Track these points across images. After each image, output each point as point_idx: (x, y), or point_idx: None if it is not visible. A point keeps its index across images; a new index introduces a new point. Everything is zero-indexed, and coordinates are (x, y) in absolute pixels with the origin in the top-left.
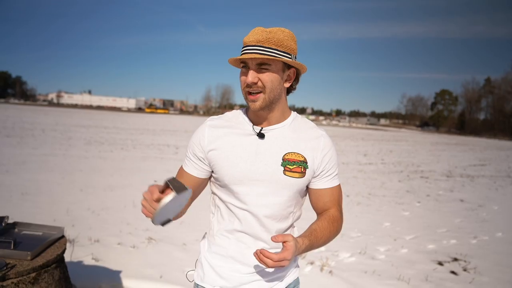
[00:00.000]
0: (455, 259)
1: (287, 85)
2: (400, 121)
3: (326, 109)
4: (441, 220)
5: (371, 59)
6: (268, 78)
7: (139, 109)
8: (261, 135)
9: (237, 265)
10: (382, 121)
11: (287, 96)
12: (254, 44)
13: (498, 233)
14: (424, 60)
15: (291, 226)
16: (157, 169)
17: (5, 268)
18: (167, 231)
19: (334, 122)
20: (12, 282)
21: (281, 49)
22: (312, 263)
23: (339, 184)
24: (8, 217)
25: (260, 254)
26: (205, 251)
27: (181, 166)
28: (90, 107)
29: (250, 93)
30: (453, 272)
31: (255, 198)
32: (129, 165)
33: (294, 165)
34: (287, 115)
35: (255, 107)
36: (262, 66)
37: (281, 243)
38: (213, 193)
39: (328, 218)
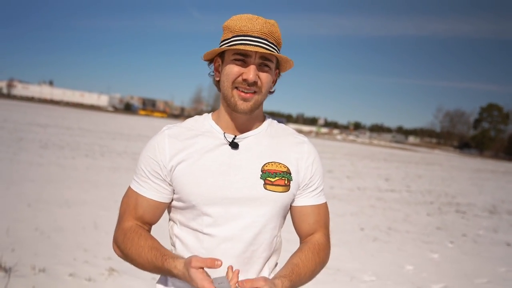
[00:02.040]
0: None
1: (272, 87)
2: (434, 140)
3: (343, 121)
4: (480, 267)
5: (401, 62)
6: (268, 79)
7: (115, 109)
8: (234, 145)
9: None
10: (411, 139)
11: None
12: (258, 35)
13: None
14: (468, 66)
15: (273, 253)
16: (128, 183)
17: None
18: None
19: (351, 137)
20: None
21: (279, 47)
22: None
23: (326, 202)
24: None
25: None
26: (163, 279)
27: (130, 188)
28: (51, 101)
29: (241, 90)
30: None
31: (232, 220)
32: (93, 177)
33: (276, 177)
34: (262, 119)
35: (246, 108)
36: (265, 63)
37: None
38: (171, 219)
39: (313, 247)
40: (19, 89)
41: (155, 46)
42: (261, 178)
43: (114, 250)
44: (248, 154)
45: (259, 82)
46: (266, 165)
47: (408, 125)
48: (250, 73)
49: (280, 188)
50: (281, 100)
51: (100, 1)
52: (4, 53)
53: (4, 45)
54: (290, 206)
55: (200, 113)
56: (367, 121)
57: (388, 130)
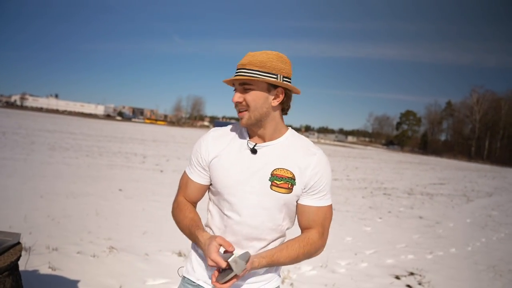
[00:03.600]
0: (411, 274)
1: (275, 103)
2: (367, 139)
3: (296, 125)
4: (400, 236)
5: (341, 78)
6: (251, 97)
7: (108, 116)
8: (254, 151)
9: None
10: (350, 138)
11: (285, 115)
12: (239, 67)
13: (452, 249)
14: (391, 81)
15: (278, 237)
16: (122, 178)
17: None
18: (130, 240)
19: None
20: None
21: (264, 70)
22: None
23: (329, 206)
24: None
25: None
26: (194, 246)
27: (185, 172)
28: (56, 111)
29: (238, 111)
30: (408, 286)
31: (244, 208)
32: (94, 173)
33: (282, 180)
34: (282, 132)
35: (242, 123)
36: (245, 86)
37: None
38: (209, 198)
39: (302, 240)
40: (30, 101)
41: (143, 64)
42: (269, 180)
43: (171, 215)
44: (263, 159)
45: (244, 102)
46: (275, 170)
47: (347, 127)
48: (234, 97)
49: (283, 190)
50: None
51: (98, 28)
52: (17, 72)
53: (18, 65)
54: (297, 203)
55: (180, 119)
56: (316, 124)
57: (332, 131)
